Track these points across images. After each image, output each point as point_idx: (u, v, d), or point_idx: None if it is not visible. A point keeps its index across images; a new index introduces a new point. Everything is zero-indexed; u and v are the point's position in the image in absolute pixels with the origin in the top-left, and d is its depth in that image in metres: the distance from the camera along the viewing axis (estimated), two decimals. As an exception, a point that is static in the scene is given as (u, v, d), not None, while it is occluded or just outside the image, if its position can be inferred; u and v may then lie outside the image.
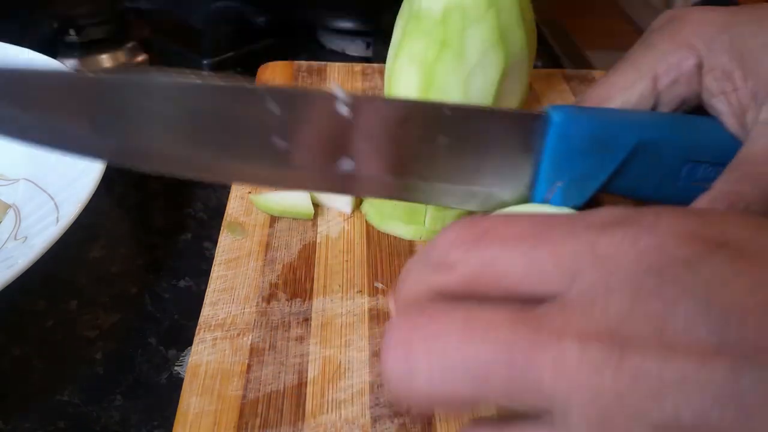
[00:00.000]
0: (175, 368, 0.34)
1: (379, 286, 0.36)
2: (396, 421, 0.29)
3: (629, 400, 0.16)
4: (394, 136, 0.28)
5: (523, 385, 0.17)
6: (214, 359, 0.31)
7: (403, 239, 0.39)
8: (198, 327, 0.33)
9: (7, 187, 0.42)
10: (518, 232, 0.19)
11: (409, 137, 0.29)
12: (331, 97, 0.27)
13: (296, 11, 0.69)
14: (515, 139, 0.30)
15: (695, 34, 0.32)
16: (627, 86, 0.33)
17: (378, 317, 0.34)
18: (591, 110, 0.31)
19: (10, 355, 0.34)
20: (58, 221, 0.35)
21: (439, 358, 0.18)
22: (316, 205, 0.40)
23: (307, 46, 0.71)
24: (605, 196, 0.31)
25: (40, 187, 0.40)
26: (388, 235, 0.39)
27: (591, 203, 0.30)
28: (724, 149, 0.31)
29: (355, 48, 0.69)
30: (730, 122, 0.32)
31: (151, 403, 0.32)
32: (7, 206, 0.40)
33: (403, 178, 0.29)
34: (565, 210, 0.29)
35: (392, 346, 0.19)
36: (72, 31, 0.68)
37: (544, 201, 0.30)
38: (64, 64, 0.47)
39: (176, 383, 0.33)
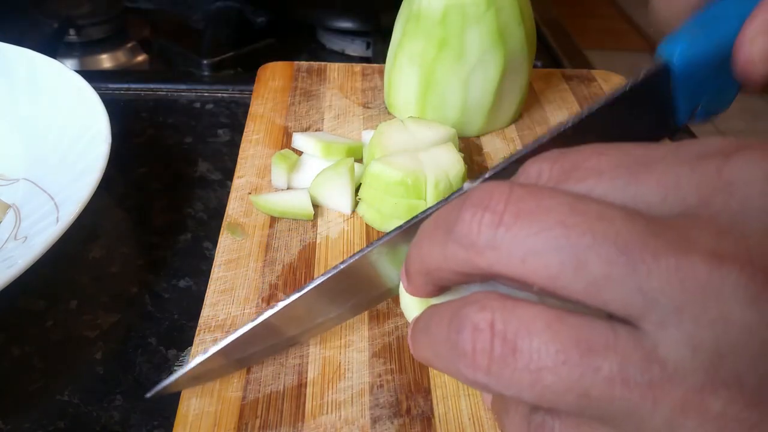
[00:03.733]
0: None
1: (379, 286, 0.35)
2: (396, 421, 0.29)
3: (762, 335, 0.15)
4: None
5: (620, 284, 0.16)
6: (213, 360, 0.31)
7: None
8: (198, 328, 0.33)
9: (7, 187, 0.42)
10: (614, 164, 0.18)
11: None
12: None
13: (296, 11, 0.69)
14: (649, 103, 0.29)
15: None
16: None
17: (378, 318, 0.34)
18: (704, 34, 0.29)
19: (10, 355, 0.34)
20: (58, 221, 0.35)
21: (532, 235, 0.17)
22: (316, 206, 0.40)
23: (307, 46, 0.71)
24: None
25: (40, 187, 0.40)
26: (387, 235, 0.39)
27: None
28: None
29: (355, 48, 0.69)
30: None
31: (151, 403, 0.32)
32: (7, 206, 0.40)
33: None
34: None
35: (476, 206, 0.18)
36: (72, 31, 0.68)
37: (689, 122, 0.30)
38: (64, 64, 0.47)
39: (176, 383, 0.33)
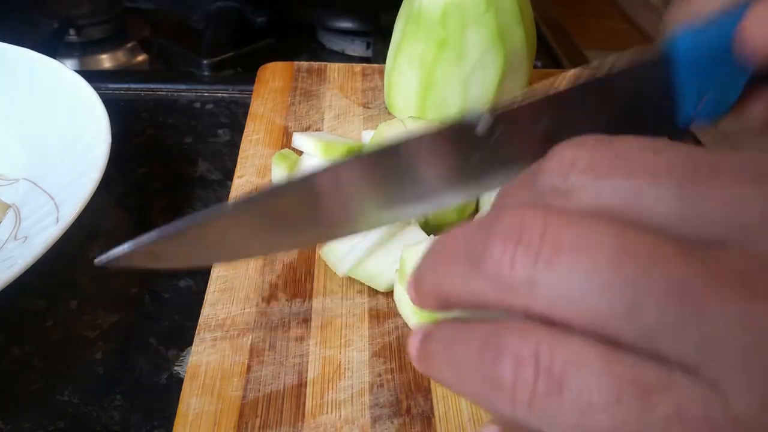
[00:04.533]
0: (175, 368, 0.34)
1: (379, 286, 0.35)
2: (395, 421, 0.29)
3: None
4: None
5: (678, 333, 0.14)
6: (214, 359, 0.31)
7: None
8: (198, 327, 0.33)
9: (7, 187, 0.42)
10: (671, 165, 0.16)
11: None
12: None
13: (296, 11, 0.69)
14: (649, 88, 0.27)
15: None
16: None
17: (378, 317, 0.34)
18: (714, 23, 0.28)
19: (10, 355, 0.34)
20: (58, 221, 0.35)
21: (575, 274, 0.15)
22: (316, 206, 0.40)
23: (307, 46, 0.71)
24: None
25: (40, 187, 0.40)
26: (387, 235, 0.39)
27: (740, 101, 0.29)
28: None
29: (355, 48, 0.69)
30: None
31: (151, 403, 0.32)
32: (7, 206, 0.40)
33: None
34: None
35: (507, 239, 0.16)
36: (72, 31, 0.68)
37: (692, 118, 0.29)
38: (64, 64, 0.47)
39: (176, 383, 0.33)
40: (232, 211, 0.24)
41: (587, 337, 0.15)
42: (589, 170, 0.16)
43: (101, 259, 0.24)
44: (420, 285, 0.21)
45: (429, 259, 0.20)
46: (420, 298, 0.21)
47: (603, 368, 0.15)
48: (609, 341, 0.15)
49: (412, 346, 0.21)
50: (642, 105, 0.28)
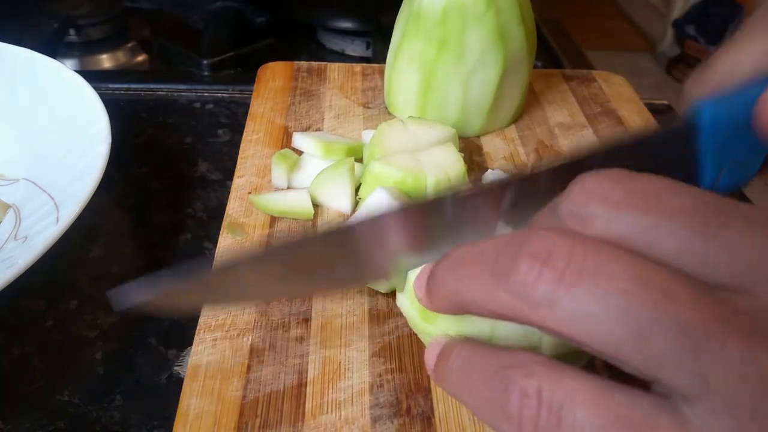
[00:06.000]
0: (175, 368, 0.34)
1: (379, 286, 0.35)
2: (396, 421, 0.29)
3: None
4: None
5: (680, 365, 0.15)
6: (214, 359, 0.31)
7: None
8: (198, 327, 0.33)
9: (7, 187, 0.42)
10: (689, 208, 0.17)
11: None
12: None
13: (296, 11, 0.69)
14: (672, 156, 0.28)
15: None
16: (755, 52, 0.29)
17: (378, 317, 0.34)
18: (736, 96, 0.29)
19: (10, 355, 0.34)
20: (58, 221, 0.35)
21: (594, 300, 0.16)
22: (316, 206, 0.40)
23: (307, 46, 0.71)
24: None
25: (40, 187, 0.40)
26: (387, 235, 0.39)
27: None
28: None
29: (355, 48, 0.69)
30: None
31: (151, 403, 0.32)
32: (7, 206, 0.40)
33: None
34: None
35: (535, 258, 0.17)
36: (72, 31, 0.68)
37: (712, 188, 0.30)
38: (64, 64, 0.47)
39: (176, 383, 0.33)
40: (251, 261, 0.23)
41: (586, 374, 0.17)
42: (608, 201, 0.18)
43: (113, 292, 0.22)
44: (435, 287, 0.22)
45: (450, 264, 0.21)
46: (431, 300, 0.22)
47: (594, 406, 0.16)
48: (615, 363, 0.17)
49: (430, 359, 0.22)
50: (664, 173, 0.29)
